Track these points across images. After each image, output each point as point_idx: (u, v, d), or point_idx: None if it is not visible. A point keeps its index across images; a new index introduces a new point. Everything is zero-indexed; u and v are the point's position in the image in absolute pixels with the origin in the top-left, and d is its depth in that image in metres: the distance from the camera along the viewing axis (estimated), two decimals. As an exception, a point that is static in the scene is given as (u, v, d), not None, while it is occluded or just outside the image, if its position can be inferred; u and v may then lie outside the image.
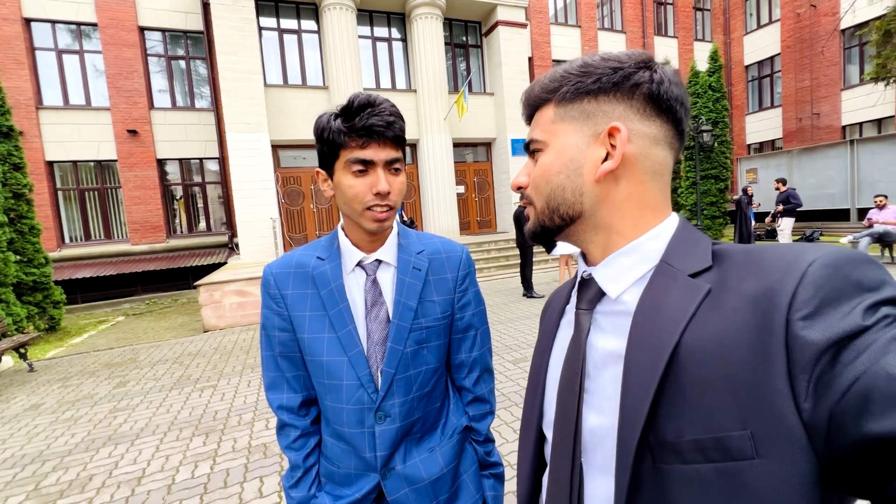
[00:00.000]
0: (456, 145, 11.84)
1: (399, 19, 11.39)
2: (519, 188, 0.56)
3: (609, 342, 0.49)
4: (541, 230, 0.54)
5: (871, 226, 7.20)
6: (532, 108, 0.56)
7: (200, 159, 11.58)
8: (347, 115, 0.76)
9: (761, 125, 17.39)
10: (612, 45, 15.82)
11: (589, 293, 0.53)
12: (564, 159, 0.51)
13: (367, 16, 11.00)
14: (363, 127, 0.74)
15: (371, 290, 0.83)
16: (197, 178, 11.74)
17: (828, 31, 13.85)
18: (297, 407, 0.87)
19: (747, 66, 17.77)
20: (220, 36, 8.98)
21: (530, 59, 13.49)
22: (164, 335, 6.64)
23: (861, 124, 14.19)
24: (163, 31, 11.06)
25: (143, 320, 8.11)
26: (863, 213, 9.39)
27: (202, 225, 11.95)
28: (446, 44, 11.71)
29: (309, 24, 10.55)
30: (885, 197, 7.18)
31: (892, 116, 13.25)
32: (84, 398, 4.09)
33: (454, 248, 0.91)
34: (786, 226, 8.62)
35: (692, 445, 0.38)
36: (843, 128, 14.50)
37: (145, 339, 6.50)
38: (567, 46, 14.98)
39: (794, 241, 9.19)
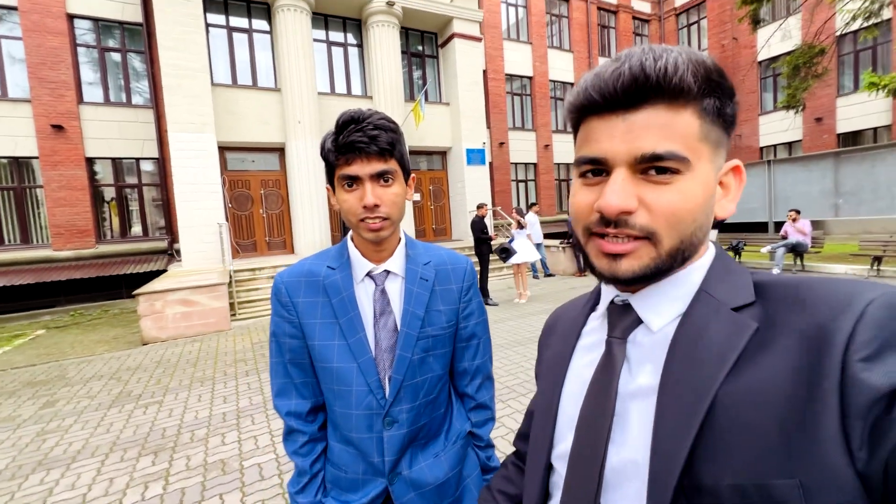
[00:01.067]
0: (412, 153, 11.89)
1: (355, 25, 11.32)
2: (623, 213, 0.41)
3: (639, 375, 0.45)
4: (651, 274, 0.43)
5: (785, 237, 8.08)
6: (648, 94, 0.41)
7: (136, 159, 10.77)
8: (336, 134, 0.80)
9: (691, 144, 18.90)
10: (561, 62, 16.68)
11: (625, 321, 0.48)
12: (707, 194, 0.42)
13: (322, 19, 10.83)
14: (345, 144, 0.77)
15: (380, 300, 0.87)
16: (132, 180, 10.90)
17: (748, 61, 15.44)
18: (305, 413, 0.88)
19: (679, 90, 19.29)
20: (162, 30, 8.46)
21: (484, 72, 13.88)
22: (96, 349, 6.10)
23: (775, 146, 15.89)
24: (95, 20, 10.23)
25: (69, 333, 7.38)
26: (779, 225, 10.53)
27: (137, 230, 11.08)
28: (403, 52, 11.78)
29: (261, 24, 10.21)
30: (798, 212, 8.08)
31: (801, 140, 14.96)
32: (4, 421, 3.67)
33: (459, 260, 0.97)
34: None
35: (732, 491, 0.35)
36: (761, 149, 16.17)
37: (73, 353, 5.92)
38: (519, 61, 15.60)
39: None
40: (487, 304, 7.22)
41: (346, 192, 0.81)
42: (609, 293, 0.51)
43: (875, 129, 13.27)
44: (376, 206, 0.79)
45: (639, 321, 0.47)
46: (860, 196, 7.71)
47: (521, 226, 7.77)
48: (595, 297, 0.56)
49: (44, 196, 9.79)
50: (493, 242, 7.59)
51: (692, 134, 0.41)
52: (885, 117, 12.94)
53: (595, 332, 0.53)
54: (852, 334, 0.34)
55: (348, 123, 0.78)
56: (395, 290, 0.89)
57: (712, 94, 0.41)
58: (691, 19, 18.47)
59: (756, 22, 10.02)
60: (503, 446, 2.73)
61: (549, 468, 0.53)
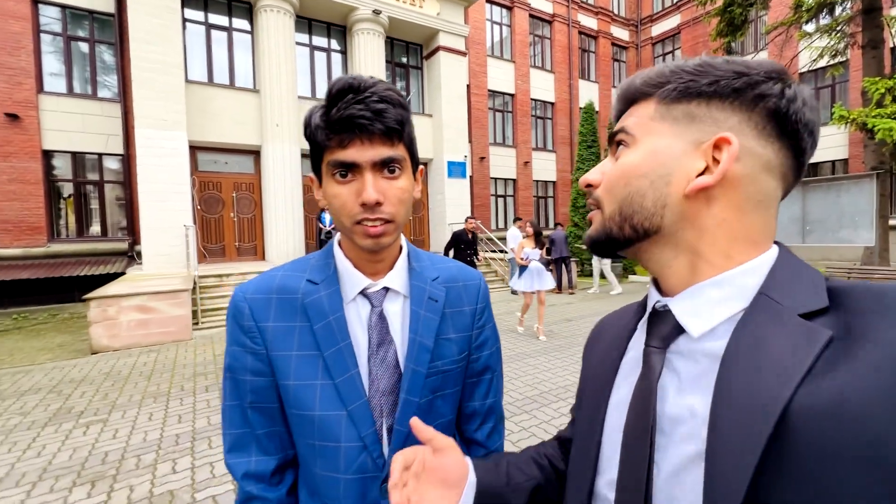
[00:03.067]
0: (392, 163, 11.72)
1: (340, 31, 11.16)
2: (588, 186, 0.49)
3: (687, 391, 0.41)
4: (605, 239, 0.47)
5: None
6: (627, 101, 0.49)
7: (99, 155, 10.16)
8: (328, 106, 0.60)
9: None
10: (543, 81, 16.99)
11: (663, 329, 0.45)
12: (653, 163, 0.44)
13: (306, 23, 10.63)
14: (340, 120, 0.58)
15: (377, 326, 0.67)
16: (93, 176, 10.26)
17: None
18: (269, 473, 0.66)
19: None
20: (135, 22, 8.05)
21: (468, 87, 13.92)
22: (37, 357, 5.55)
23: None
24: (63, 6, 9.70)
25: (8, 339, 6.73)
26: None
27: (95, 229, 10.39)
28: (387, 62, 11.68)
29: (241, 24, 9.91)
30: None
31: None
32: (-84, 441, 3.21)
33: (472, 276, 0.78)
34: (607, 260, 9.95)
35: None
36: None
37: (10, 362, 5.37)
38: (502, 78, 15.78)
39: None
40: None
41: (337, 184, 0.61)
42: (653, 299, 0.48)
43: (833, 161, 14.03)
44: (378, 203, 0.60)
45: (680, 328, 0.43)
46: (826, 224, 8.00)
47: (543, 246, 6.24)
48: (644, 305, 0.53)
49: (-9, 189, 9.06)
50: (471, 259, 7.30)
51: (646, 114, 0.46)
52: (842, 151, 13.71)
53: (641, 343, 0.49)
54: None
55: (345, 92, 0.59)
56: (397, 312, 0.69)
57: (675, 82, 0.44)
58: (666, 49, 19.19)
59: (729, 53, 10.46)
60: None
61: (591, 496, 0.48)
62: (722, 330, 0.41)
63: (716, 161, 0.41)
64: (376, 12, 10.43)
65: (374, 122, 0.58)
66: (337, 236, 0.72)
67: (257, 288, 0.68)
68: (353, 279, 0.68)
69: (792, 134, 0.42)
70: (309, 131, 0.63)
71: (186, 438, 3.14)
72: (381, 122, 0.59)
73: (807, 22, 8.75)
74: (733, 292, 0.41)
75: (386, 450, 0.65)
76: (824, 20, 9.19)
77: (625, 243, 0.46)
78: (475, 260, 7.79)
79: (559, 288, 9.80)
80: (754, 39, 14.85)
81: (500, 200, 16.00)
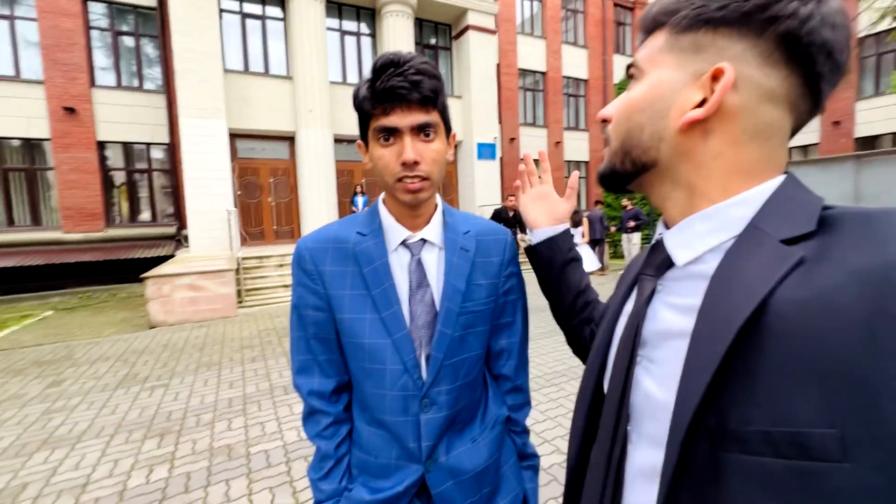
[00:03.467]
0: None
1: (369, 14, 11.21)
2: (604, 121, 0.51)
3: (677, 313, 0.43)
4: (610, 173, 0.50)
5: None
6: (646, 31, 0.48)
7: (147, 144, 10.77)
8: (373, 79, 0.71)
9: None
10: (575, 58, 16.43)
11: (657, 258, 0.48)
12: (653, 96, 0.45)
13: (335, 8, 10.74)
14: (383, 90, 0.68)
15: (416, 271, 0.79)
16: (142, 165, 10.91)
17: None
18: (329, 392, 0.81)
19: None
20: (175, 13, 8.41)
21: (497, 66, 13.71)
22: (103, 331, 6.10)
23: (791, 149, 15.53)
24: (109, 2, 10.22)
25: (77, 315, 7.40)
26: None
27: (145, 215, 11.10)
28: (416, 44, 11.65)
29: (274, 11, 10.14)
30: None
31: (817, 144, 14.68)
32: (10, 399, 3.66)
33: (500, 230, 0.88)
34: (636, 240, 9.94)
35: (760, 436, 0.33)
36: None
37: (81, 335, 5.93)
38: (532, 56, 15.38)
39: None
40: None
41: (381, 147, 0.72)
42: (658, 231, 0.51)
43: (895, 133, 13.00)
44: (416, 163, 0.70)
45: (671, 259, 0.46)
46: (882, 200, 7.50)
47: (575, 223, 6.45)
48: None
49: (55, 178, 9.82)
50: (519, 237, 6.64)
51: (657, 46, 0.46)
52: (905, 122, 12.67)
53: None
54: None
55: (387, 66, 0.68)
56: (433, 260, 0.80)
57: (685, 9, 0.43)
58: (709, 18, 18.10)
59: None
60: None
61: (598, 401, 0.54)
62: (711, 258, 0.42)
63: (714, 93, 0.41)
64: (405, -7, 10.40)
65: (411, 92, 0.68)
66: (382, 195, 0.83)
67: (316, 239, 0.81)
68: (395, 231, 0.79)
69: (805, 58, 0.39)
70: (357, 102, 0.74)
71: (238, 402, 3.44)
72: (417, 91, 0.68)
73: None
74: (721, 223, 0.42)
75: (424, 373, 0.77)
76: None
77: (627, 178, 0.48)
78: (516, 239, 7.41)
79: (603, 269, 9.60)
80: None
81: (531, 182, 15.80)
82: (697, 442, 0.37)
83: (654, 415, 0.43)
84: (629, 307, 0.53)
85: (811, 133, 14.53)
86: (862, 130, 13.56)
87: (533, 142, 15.49)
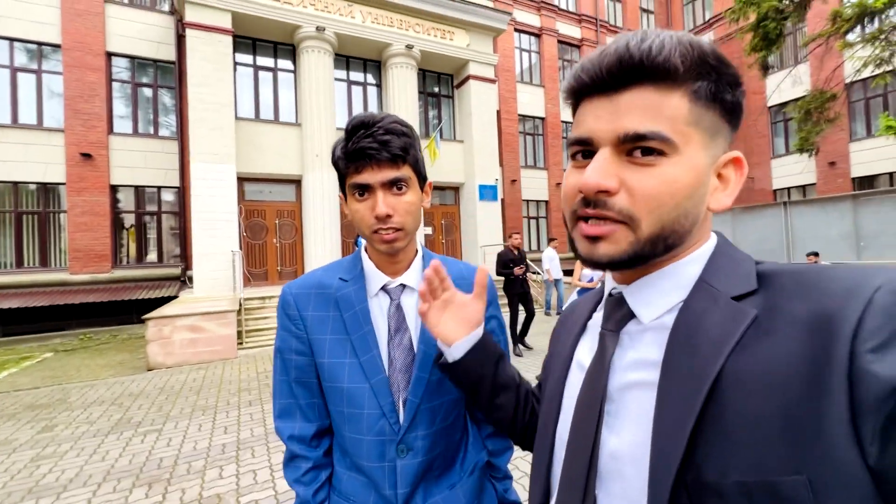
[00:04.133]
0: (425, 188, 12.06)
1: (375, 66, 11.83)
2: (600, 192, 0.41)
3: (638, 367, 0.44)
4: (629, 259, 0.42)
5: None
6: (633, 75, 0.40)
7: (158, 188, 11.10)
8: (346, 140, 0.76)
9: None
10: (572, 104, 17.03)
11: (617, 314, 0.48)
12: (696, 181, 0.41)
13: (343, 60, 11.36)
14: (355, 151, 0.73)
15: (395, 316, 0.81)
16: (152, 207, 11.19)
17: (757, 107, 15.65)
18: (310, 437, 0.81)
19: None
20: (192, 67, 8.92)
21: (498, 112, 14.26)
22: (101, 374, 6.03)
23: (789, 189, 15.81)
24: (131, 57, 10.88)
25: (76, 357, 7.35)
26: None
27: (152, 256, 11.26)
28: (420, 92, 12.21)
29: (285, 63, 10.74)
30: (816, 254, 7.90)
31: (814, 184, 14.87)
32: (0, 444, 3.58)
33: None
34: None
35: (737, 488, 0.34)
36: (774, 191, 16.08)
37: (77, 377, 5.86)
38: (532, 102, 16.04)
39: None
40: (515, 353, 6.07)
41: (357, 202, 0.76)
42: (609, 286, 0.51)
43: (891, 173, 13.18)
44: (388, 216, 0.74)
45: (632, 314, 0.46)
46: (882, 240, 7.51)
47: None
48: (602, 292, 0.56)
49: (66, 221, 10.06)
50: (523, 278, 6.16)
51: (680, 117, 0.40)
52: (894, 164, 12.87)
53: (597, 326, 0.52)
54: (860, 323, 0.32)
55: (358, 128, 0.74)
56: (411, 305, 0.83)
57: (706, 77, 0.40)
58: (700, 66, 18.91)
59: (765, 69, 10.18)
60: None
61: (552, 454, 0.52)
62: (668, 315, 0.44)
63: (719, 177, 0.43)
64: (409, 47, 11.02)
65: (381, 151, 0.73)
66: (364, 243, 0.87)
67: (300, 284, 0.84)
68: (375, 277, 0.82)
69: (735, 127, 0.44)
70: (333, 160, 0.79)
71: (232, 448, 3.35)
72: (386, 150, 0.73)
73: (845, 33, 8.47)
74: (679, 281, 0.44)
75: (402, 418, 0.77)
76: (868, 28, 8.89)
77: (643, 262, 0.44)
78: (525, 276, 6.40)
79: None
80: (793, 51, 14.44)
81: (533, 222, 16.02)
82: (679, 498, 0.37)
83: (622, 472, 0.42)
84: (582, 362, 0.52)
85: (809, 173, 14.76)
86: (858, 171, 13.77)
87: (533, 182, 15.84)
